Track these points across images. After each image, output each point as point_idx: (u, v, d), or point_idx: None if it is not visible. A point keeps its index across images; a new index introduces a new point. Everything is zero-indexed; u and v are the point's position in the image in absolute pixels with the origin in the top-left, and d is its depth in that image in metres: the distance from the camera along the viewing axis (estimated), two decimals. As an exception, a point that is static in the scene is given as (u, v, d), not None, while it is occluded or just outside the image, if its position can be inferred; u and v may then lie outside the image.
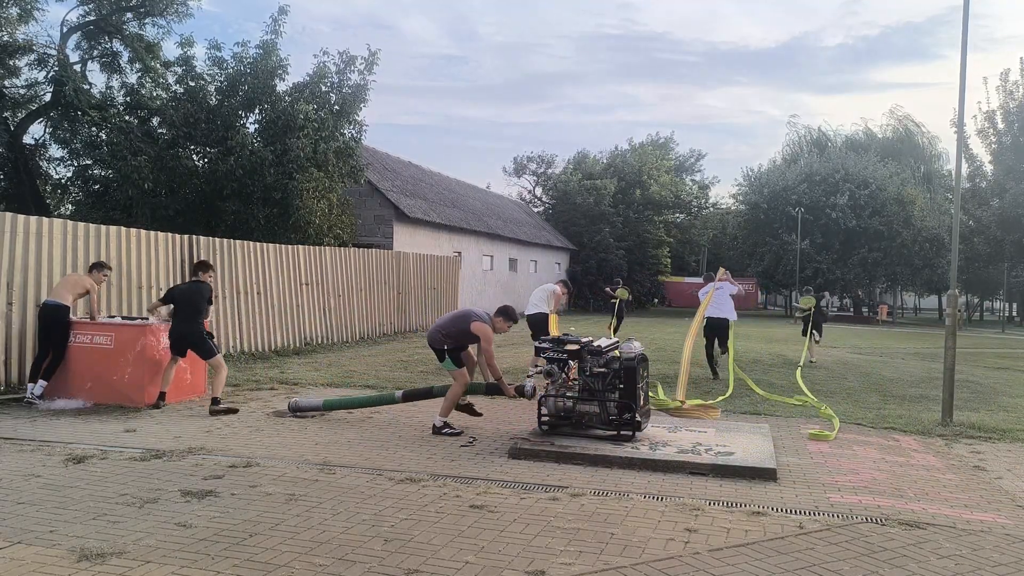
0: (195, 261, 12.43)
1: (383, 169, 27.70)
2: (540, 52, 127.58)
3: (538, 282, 38.12)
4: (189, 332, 8.56)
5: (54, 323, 8.64)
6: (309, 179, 18.50)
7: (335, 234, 19.85)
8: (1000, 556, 4.56)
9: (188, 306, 8.59)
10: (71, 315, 8.89)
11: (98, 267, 9.30)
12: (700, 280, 22.74)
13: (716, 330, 12.49)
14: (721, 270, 12.91)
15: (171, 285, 11.99)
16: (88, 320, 9.08)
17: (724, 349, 12.46)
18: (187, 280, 11.57)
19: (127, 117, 19.85)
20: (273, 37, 19.29)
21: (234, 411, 8.30)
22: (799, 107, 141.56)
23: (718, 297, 12.19)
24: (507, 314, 7.67)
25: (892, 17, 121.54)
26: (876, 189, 43.11)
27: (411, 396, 8.12)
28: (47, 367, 8.63)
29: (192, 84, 19.31)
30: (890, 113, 74.75)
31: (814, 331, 15.50)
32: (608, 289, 21.15)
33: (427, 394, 8.07)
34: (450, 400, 7.63)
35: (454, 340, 7.54)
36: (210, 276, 9.03)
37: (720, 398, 9.85)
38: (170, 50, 24.82)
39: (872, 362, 16.70)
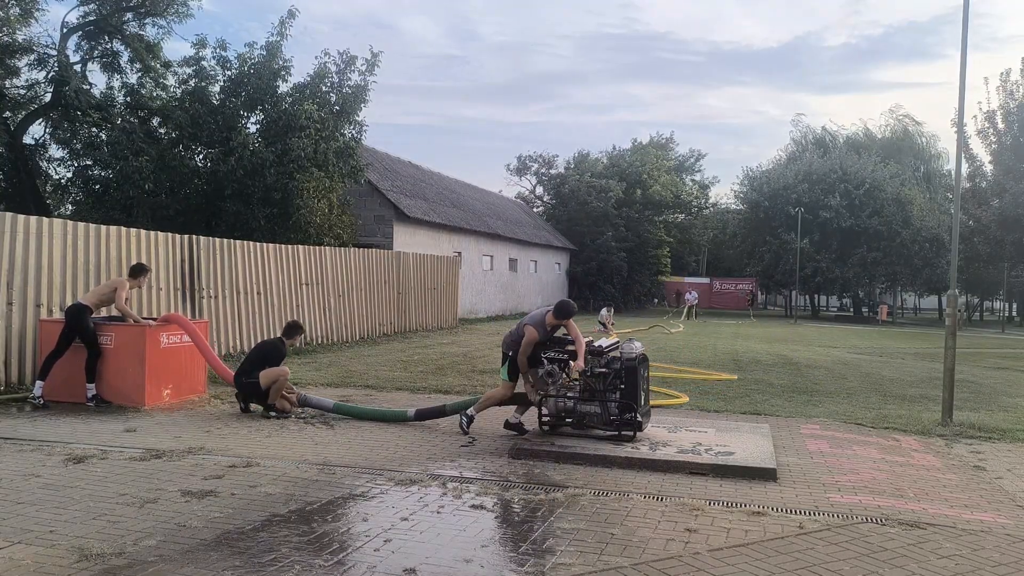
0: (190, 262, 12.44)
1: (383, 169, 27.68)
2: (541, 52, 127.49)
3: (539, 282, 38.38)
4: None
5: (72, 321, 8.68)
6: (309, 179, 18.50)
7: (335, 234, 19.83)
8: (1000, 556, 4.57)
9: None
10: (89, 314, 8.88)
11: (134, 270, 9.39)
12: (695, 281, 52.72)
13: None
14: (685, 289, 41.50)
15: (170, 286, 12.01)
16: (116, 321, 9.11)
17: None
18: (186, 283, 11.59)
19: (129, 118, 19.83)
20: (278, 39, 19.32)
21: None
22: (800, 107, 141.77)
23: (689, 297, 40.32)
24: (561, 311, 7.37)
25: (895, 16, 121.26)
26: (872, 188, 43.12)
27: (424, 415, 8.02)
28: (87, 367, 8.64)
29: (200, 84, 19.32)
30: (889, 113, 74.85)
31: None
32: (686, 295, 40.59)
33: (439, 413, 7.98)
34: (485, 402, 7.61)
35: (516, 346, 7.44)
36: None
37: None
38: (178, 50, 24.82)
39: (872, 362, 16.70)
